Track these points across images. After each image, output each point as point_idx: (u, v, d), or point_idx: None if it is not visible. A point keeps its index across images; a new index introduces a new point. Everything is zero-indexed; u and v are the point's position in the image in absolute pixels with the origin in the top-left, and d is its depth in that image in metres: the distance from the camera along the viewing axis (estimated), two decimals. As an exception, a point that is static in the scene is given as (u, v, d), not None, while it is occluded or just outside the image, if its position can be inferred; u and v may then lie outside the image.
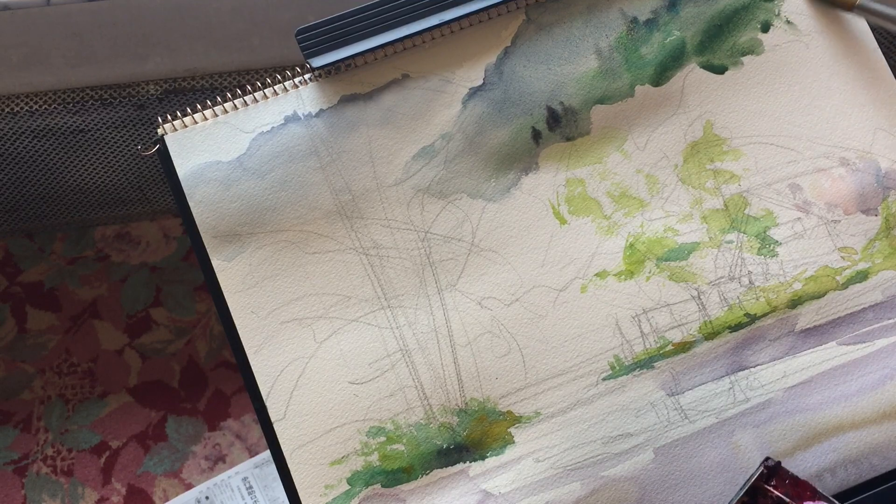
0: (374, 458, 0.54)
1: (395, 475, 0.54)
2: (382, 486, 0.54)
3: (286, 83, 0.57)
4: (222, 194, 0.56)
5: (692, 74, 0.59)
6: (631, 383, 0.55)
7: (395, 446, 0.54)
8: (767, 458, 0.51)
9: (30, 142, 0.76)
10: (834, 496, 0.54)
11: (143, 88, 0.72)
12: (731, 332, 0.56)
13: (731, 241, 0.57)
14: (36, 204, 0.87)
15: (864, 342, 0.56)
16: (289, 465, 0.53)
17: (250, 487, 0.81)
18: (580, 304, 0.56)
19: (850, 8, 0.58)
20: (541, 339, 0.55)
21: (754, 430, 0.54)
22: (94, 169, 0.82)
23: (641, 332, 0.56)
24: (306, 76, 0.57)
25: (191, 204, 0.55)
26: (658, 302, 0.56)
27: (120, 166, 0.83)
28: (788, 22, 0.59)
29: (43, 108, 0.72)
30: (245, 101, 0.57)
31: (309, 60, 0.57)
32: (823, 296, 0.56)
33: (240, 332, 0.55)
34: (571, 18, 0.59)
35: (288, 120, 0.57)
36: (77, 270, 0.95)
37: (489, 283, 0.56)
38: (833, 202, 0.57)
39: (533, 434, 0.54)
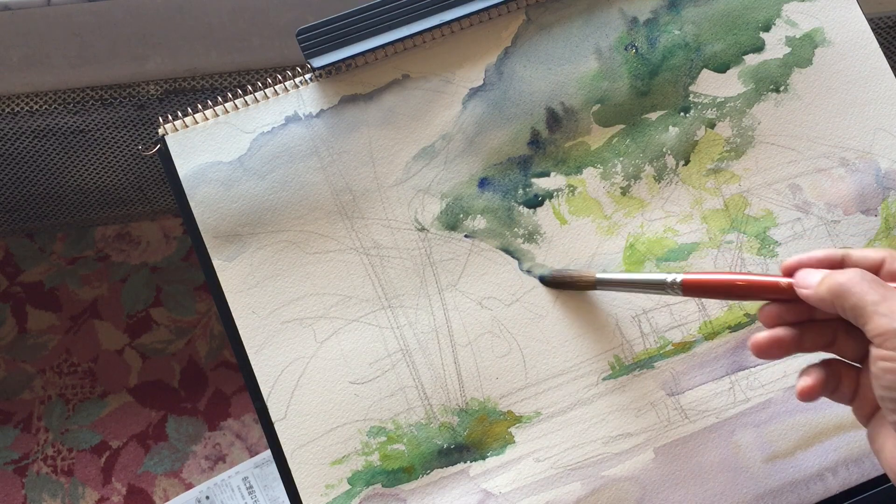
0: (375, 458, 0.54)
1: (396, 475, 0.54)
2: (383, 485, 0.54)
3: (286, 83, 0.57)
4: (223, 194, 0.56)
5: (693, 74, 0.59)
6: (631, 383, 0.55)
7: (395, 446, 0.54)
8: None
9: (30, 142, 0.76)
10: (836, 496, 0.54)
11: (143, 88, 0.72)
12: (731, 332, 0.56)
13: (730, 242, 0.57)
14: (36, 204, 0.87)
15: (864, 342, 0.56)
16: (289, 465, 0.54)
17: (250, 487, 0.81)
18: (580, 304, 0.56)
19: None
20: (541, 339, 0.55)
21: (755, 429, 0.54)
22: (95, 169, 0.82)
23: (641, 332, 0.56)
24: (307, 76, 0.57)
25: (192, 204, 0.56)
26: (658, 302, 0.56)
27: (120, 166, 0.83)
28: (789, 21, 0.59)
29: (43, 108, 0.72)
30: (246, 101, 0.57)
31: (309, 61, 0.57)
32: (823, 295, 0.56)
33: (241, 331, 0.55)
34: (571, 18, 0.59)
35: (289, 120, 0.57)
36: (77, 270, 0.95)
37: (490, 283, 0.56)
38: (833, 202, 0.57)
39: (533, 434, 0.54)
